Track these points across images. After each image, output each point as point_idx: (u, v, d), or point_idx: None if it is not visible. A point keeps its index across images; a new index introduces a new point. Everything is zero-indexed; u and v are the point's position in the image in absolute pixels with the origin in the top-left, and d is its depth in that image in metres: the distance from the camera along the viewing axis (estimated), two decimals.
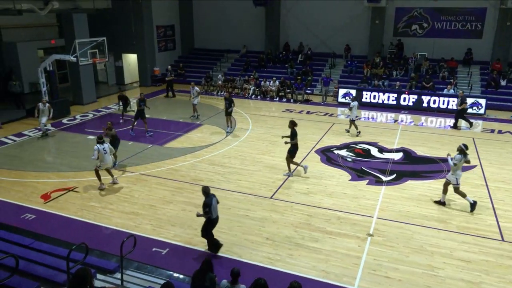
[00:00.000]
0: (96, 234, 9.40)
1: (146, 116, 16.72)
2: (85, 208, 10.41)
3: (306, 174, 12.50)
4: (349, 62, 25.40)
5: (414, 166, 13.60)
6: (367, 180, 12.36)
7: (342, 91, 22.25)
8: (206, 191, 8.43)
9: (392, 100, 21.26)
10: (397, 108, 20.94)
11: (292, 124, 12.21)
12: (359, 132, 16.55)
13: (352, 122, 16.55)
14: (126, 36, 25.74)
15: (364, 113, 20.13)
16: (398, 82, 22.02)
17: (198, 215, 8.48)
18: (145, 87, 25.75)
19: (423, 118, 19.55)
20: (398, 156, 14.47)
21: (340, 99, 22.18)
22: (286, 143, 12.38)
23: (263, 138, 16.14)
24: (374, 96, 21.58)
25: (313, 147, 15.13)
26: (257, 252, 8.67)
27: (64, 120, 18.53)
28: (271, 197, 11.21)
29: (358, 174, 12.84)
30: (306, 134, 16.58)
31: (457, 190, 10.57)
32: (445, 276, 7.95)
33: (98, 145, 11.26)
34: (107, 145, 11.53)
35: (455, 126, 17.90)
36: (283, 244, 8.99)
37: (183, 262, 8.31)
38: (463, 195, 10.55)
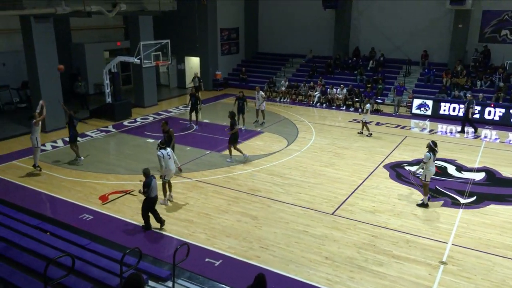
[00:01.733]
0: (149, 239, 9.77)
1: (206, 120, 17.15)
2: (140, 213, 10.86)
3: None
4: (426, 70, 24.43)
5: (498, 188, 12.74)
6: (442, 202, 11.77)
7: (416, 102, 21.42)
8: (146, 172, 9.79)
9: (475, 114, 20.10)
10: (481, 122, 19.77)
11: (231, 115, 14.67)
12: (371, 134, 17.74)
13: (365, 124, 17.76)
14: (190, 39, 26.73)
15: (442, 127, 19.22)
16: (481, 94, 20.79)
17: (140, 192, 9.91)
18: (207, 91, 26.48)
19: (510, 135, 18.28)
20: (479, 176, 13.63)
21: (414, 110, 21.37)
22: (230, 133, 14.33)
23: (327, 150, 15.95)
24: (454, 109, 20.55)
25: (382, 162, 14.69)
26: (315, 272, 8.55)
27: (125, 122, 19.55)
28: (332, 213, 11.02)
29: (432, 194, 12.25)
30: (374, 147, 16.17)
31: (425, 187, 11.42)
32: None
33: (161, 150, 11.04)
34: (170, 150, 11.38)
35: (462, 131, 18.56)
36: (344, 266, 8.77)
37: (235, 275, 8.39)
38: (426, 193, 11.44)
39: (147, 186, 9.66)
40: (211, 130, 18.52)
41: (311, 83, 24.47)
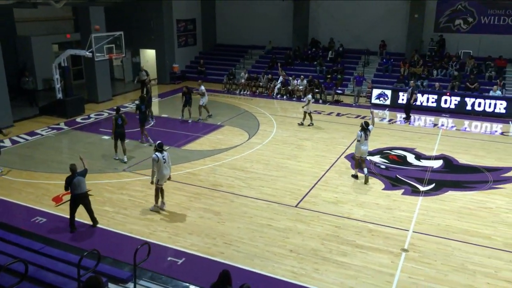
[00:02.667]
0: (108, 240, 9.56)
1: (164, 115, 16.88)
2: (97, 213, 10.58)
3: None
4: (384, 60, 25.10)
5: (455, 175, 13.29)
6: (403, 190, 12.16)
7: (376, 92, 21.98)
8: (72, 168, 9.65)
9: (432, 102, 20.86)
10: (438, 111, 20.53)
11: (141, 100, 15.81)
12: (312, 123, 18.12)
13: (307, 114, 18.03)
14: (144, 31, 26.16)
15: (400, 116, 19.80)
16: (437, 83, 21.59)
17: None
18: (164, 85, 26.09)
19: (466, 122, 19.10)
20: (437, 164, 14.17)
21: (374, 100, 21.92)
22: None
23: (289, 142, 16.11)
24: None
25: (343, 152, 15.00)
26: (280, 265, 8.64)
27: (78, 119, 18.96)
28: (296, 206, 11.16)
29: (392, 183, 12.64)
30: (335, 139, 16.49)
31: (356, 161, 12.81)
32: None
33: (157, 153, 10.39)
34: (166, 154, 10.67)
35: (407, 119, 19.29)
36: (309, 258, 8.92)
37: (199, 273, 8.36)
38: (356, 167, 12.83)
39: (67, 183, 9.60)
40: (170, 125, 18.30)
41: (270, 75, 24.56)
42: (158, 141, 10.82)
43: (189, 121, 18.67)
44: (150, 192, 11.78)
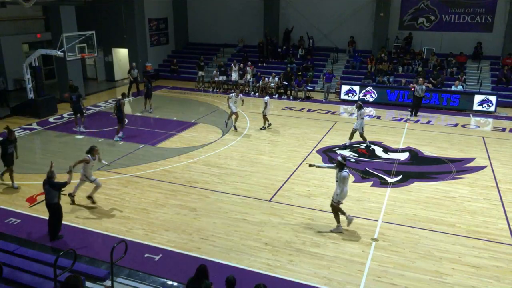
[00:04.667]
0: (85, 239, 9.38)
1: (138, 113, 16.67)
2: (73, 212, 10.40)
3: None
4: (355, 56, 25.43)
5: (421, 167, 13.62)
6: (372, 182, 12.38)
7: (345, 88, 22.26)
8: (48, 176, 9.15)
9: (399, 98, 21.26)
10: (403, 105, 20.95)
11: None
12: (265, 128, 17.21)
13: (264, 116, 17.14)
14: (116, 30, 25.70)
15: (369, 111, 20.10)
16: (403, 79, 22.06)
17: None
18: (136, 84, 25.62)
19: (430, 116, 19.58)
20: (404, 156, 14.49)
21: (343, 96, 22.21)
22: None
23: (262, 138, 16.15)
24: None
25: (315, 147, 15.14)
26: (255, 258, 8.68)
27: (51, 119, 18.49)
28: (270, 200, 11.21)
29: (362, 175, 12.85)
30: (307, 134, 16.62)
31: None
32: (453, 283, 7.97)
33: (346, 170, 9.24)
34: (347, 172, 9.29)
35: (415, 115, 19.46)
36: (283, 250, 8.99)
37: (177, 268, 8.31)
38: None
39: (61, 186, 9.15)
40: (144, 124, 18.07)
41: (240, 71, 24.53)
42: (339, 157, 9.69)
43: (150, 110, 19.57)
44: (125, 190, 11.64)
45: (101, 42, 23.05)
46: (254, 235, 9.52)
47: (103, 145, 14.55)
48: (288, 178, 12.57)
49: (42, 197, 11.16)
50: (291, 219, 10.23)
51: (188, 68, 27.41)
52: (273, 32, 27.64)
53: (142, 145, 15.26)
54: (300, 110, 20.39)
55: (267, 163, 13.69)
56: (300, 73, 23.60)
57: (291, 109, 20.40)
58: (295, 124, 17.97)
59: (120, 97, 16.27)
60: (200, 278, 6.21)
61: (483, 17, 24.04)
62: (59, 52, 17.69)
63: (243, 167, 13.36)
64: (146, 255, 8.73)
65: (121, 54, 26.85)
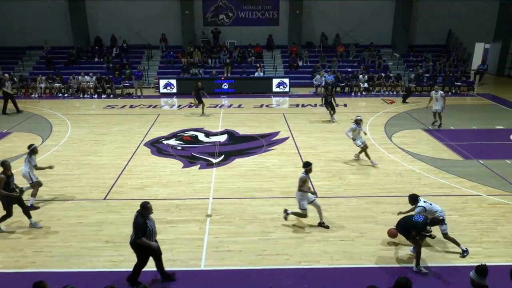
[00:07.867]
0: None
1: None
2: None
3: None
4: (165, 53, 25.32)
5: (238, 145, 14.52)
6: (199, 165, 12.70)
7: (163, 82, 22.11)
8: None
9: (212, 87, 22.12)
10: (217, 94, 21.89)
11: None
12: None
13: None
14: None
15: (194, 101, 20.39)
16: (214, 70, 23.02)
17: None
18: None
19: (240, 100, 20.93)
20: (223, 138, 15.23)
21: (162, 90, 22.04)
22: None
23: (87, 139, 14.97)
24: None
25: (142, 141, 14.74)
26: (98, 258, 8.10)
27: None
28: (104, 199, 10.55)
29: (189, 160, 13.07)
30: (132, 129, 16.06)
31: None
32: (277, 238, 8.81)
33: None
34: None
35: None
36: (126, 244, 8.50)
37: None
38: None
39: None
40: None
41: (49, 75, 22.18)
42: None
43: None
44: None
45: None
46: (93, 236, 8.85)
47: None
48: (120, 174, 11.99)
49: None
50: (129, 213, 9.78)
51: None
52: (83, 31, 25.58)
53: None
54: (122, 107, 19.51)
55: (95, 163, 12.78)
56: (117, 71, 22.49)
57: (113, 107, 19.36)
58: (120, 121, 17.14)
59: None
60: None
61: (271, 13, 26.57)
62: None
63: (71, 170, 12.21)
64: None
65: None
